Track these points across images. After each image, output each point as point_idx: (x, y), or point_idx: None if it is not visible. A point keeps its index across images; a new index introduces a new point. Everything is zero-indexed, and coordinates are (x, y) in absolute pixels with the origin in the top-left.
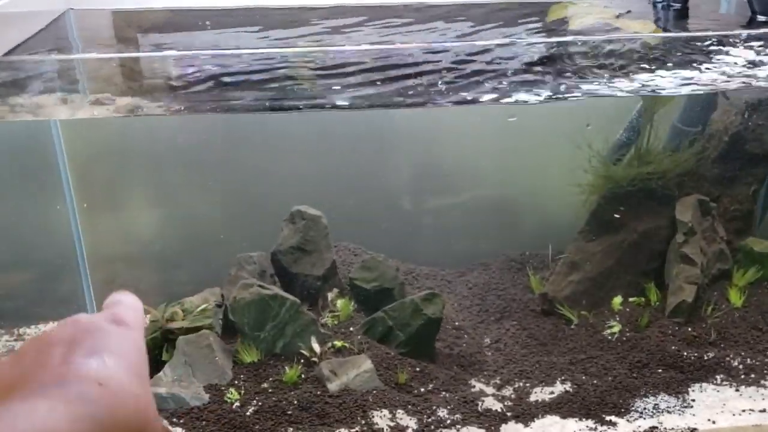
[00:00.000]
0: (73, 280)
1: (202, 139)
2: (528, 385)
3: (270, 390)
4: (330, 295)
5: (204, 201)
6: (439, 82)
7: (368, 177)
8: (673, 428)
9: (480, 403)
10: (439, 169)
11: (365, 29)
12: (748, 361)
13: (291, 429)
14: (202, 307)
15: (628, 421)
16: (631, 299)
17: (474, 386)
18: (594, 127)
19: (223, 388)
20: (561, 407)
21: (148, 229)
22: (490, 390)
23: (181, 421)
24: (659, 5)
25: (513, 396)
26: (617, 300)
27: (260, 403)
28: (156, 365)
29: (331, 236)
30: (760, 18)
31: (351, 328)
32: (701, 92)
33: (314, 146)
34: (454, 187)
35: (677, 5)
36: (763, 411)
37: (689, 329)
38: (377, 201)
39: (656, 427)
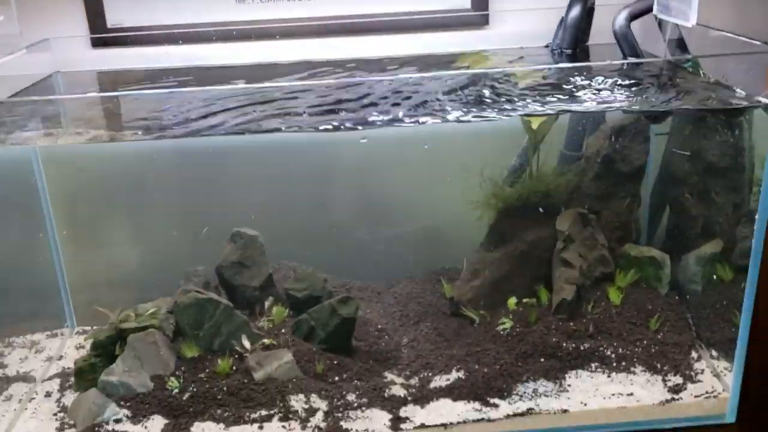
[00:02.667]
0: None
1: (167, 169)
2: (430, 374)
3: (205, 379)
4: (267, 303)
5: (167, 225)
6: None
7: (310, 202)
8: (548, 410)
9: (387, 390)
10: (372, 195)
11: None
12: (620, 350)
13: (219, 410)
14: (152, 310)
15: (509, 403)
16: (524, 300)
17: (386, 377)
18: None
19: (165, 377)
20: (453, 392)
21: (121, 252)
22: (399, 380)
23: (128, 404)
24: (555, 51)
25: (417, 384)
26: (512, 301)
27: (195, 390)
28: (111, 359)
29: (273, 254)
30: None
31: (283, 330)
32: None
33: (262, 174)
34: (386, 211)
35: (569, 51)
36: (630, 395)
37: (571, 324)
38: (320, 224)
39: (533, 409)
